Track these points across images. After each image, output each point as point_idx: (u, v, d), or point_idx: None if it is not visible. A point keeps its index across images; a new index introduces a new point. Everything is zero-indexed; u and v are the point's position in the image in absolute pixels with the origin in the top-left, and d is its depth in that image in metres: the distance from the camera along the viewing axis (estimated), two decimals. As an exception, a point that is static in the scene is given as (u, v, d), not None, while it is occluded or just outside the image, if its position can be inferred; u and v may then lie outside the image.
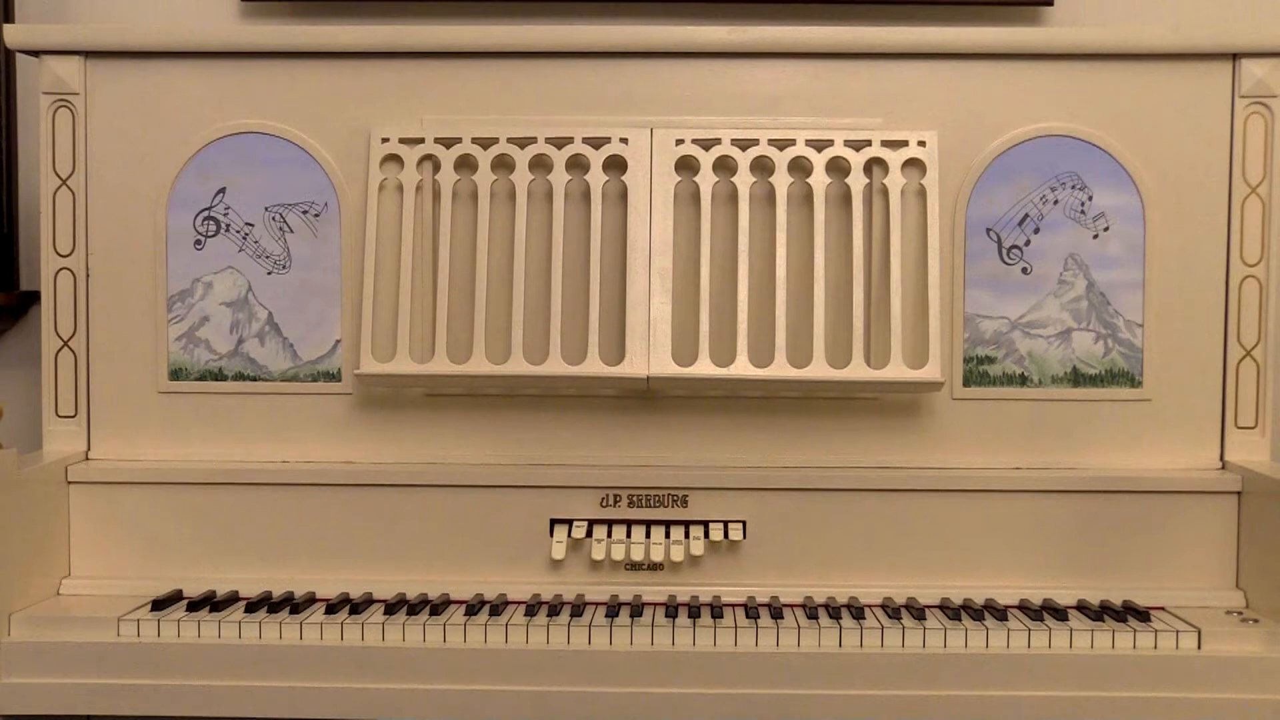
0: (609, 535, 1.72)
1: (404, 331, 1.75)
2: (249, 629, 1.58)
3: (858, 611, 1.63)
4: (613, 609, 1.62)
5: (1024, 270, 1.78)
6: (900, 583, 1.71)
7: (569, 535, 1.72)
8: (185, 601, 1.66)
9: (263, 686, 1.55)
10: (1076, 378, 1.78)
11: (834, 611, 1.63)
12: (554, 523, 1.73)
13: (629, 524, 1.73)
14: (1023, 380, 1.78)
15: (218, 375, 1.80)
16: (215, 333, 1.80)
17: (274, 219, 1.80)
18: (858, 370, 1.72)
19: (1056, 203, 1.78)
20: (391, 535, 1.74)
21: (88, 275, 1.80)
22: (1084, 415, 1.77)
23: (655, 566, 1.72)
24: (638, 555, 1.71)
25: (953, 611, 1.64)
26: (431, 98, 1.80)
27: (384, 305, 1.77)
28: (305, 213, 1.80)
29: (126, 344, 1.80)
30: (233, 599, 1.67)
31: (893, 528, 1.73)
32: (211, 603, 1.65)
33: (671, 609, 1.64)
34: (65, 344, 1.80)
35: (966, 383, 1.78)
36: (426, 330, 1.78)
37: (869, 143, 1.76)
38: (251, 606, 1.63)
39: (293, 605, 1.64)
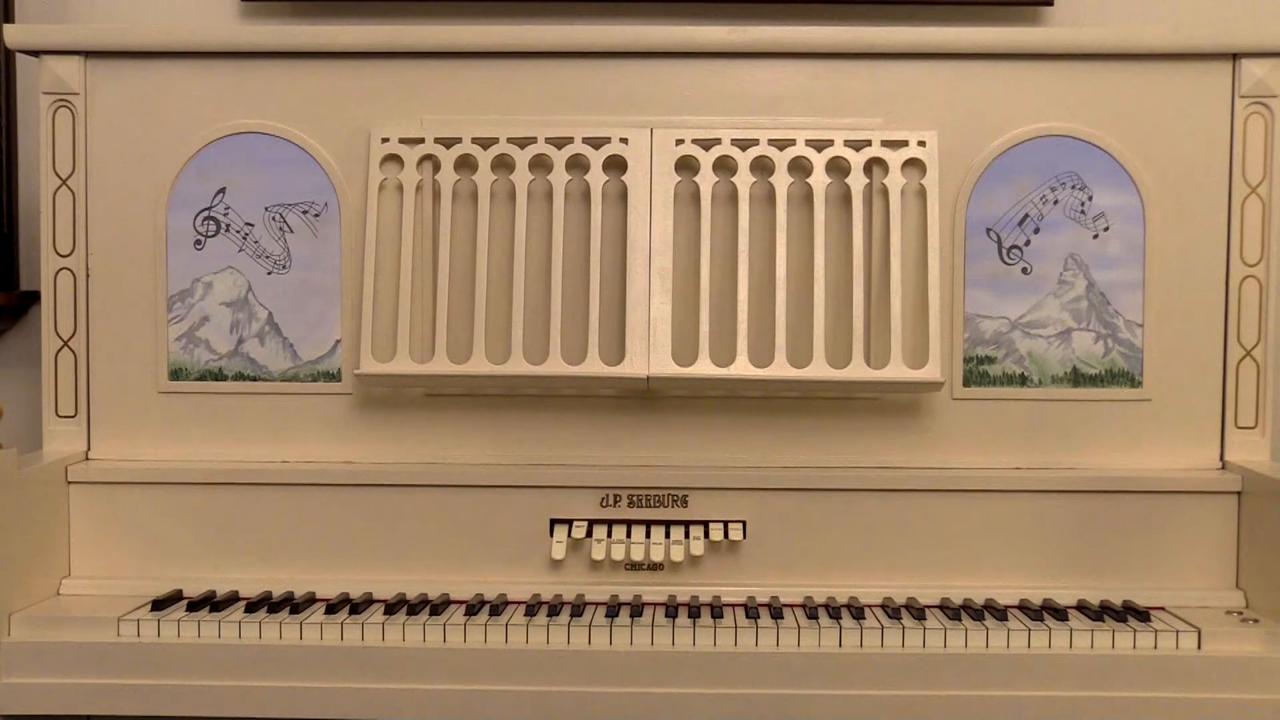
0: (609, 535, 1.71)
1: (404, 331, 1.75)
2: (249, 629, 1.57)
3: (858, 611, 1.62)
4: (613, 609, 1.62)
5: (1024, 270, 1.78)
6: (900, 583, 1.71)
7: (569, 535, 1.71)
8: (185, 601, 1.66)
9: (263, 686, 1.55)
10: (1076, 378, 1.78)
11: (834, 611, 1.63)
12: (554, 523, 1.73)
13: (629, 524, 1.73)
14: (1023, 380, 1.78)
15: (218, 375, 1.80)
16: (215, 333, 1.80)
17: (274, 219, 1.80)
18: (858, 370, 1.72)
19: (1056, 203, 1.78)
20: (391, 535, 1.74)
21: (88, 275, 1.80)
22: (1084, 415, 1.77)
23: (655, 566, 1.72)
24: (638, 555, 1.71)
25: (953, 611, 1.63)
26: (431, 98, 1.80)
27: (384, 305, 1.77)
28: (305, 213, 1.80)
29: (126, 344, 1.80)
30: (233, 599, 1.67)
31: (893, 528, 1.73)
32: (211, 603, 1.65)
33: (671, 609, 1.64)
34: (65, 344, 1.80)
35: (966, 383, 1.78)
36: (426, 330, 1.78)
37: (869, 143, 1.76)
38: (251, 606, 1.63)
39: (293, 605, 1.64)
